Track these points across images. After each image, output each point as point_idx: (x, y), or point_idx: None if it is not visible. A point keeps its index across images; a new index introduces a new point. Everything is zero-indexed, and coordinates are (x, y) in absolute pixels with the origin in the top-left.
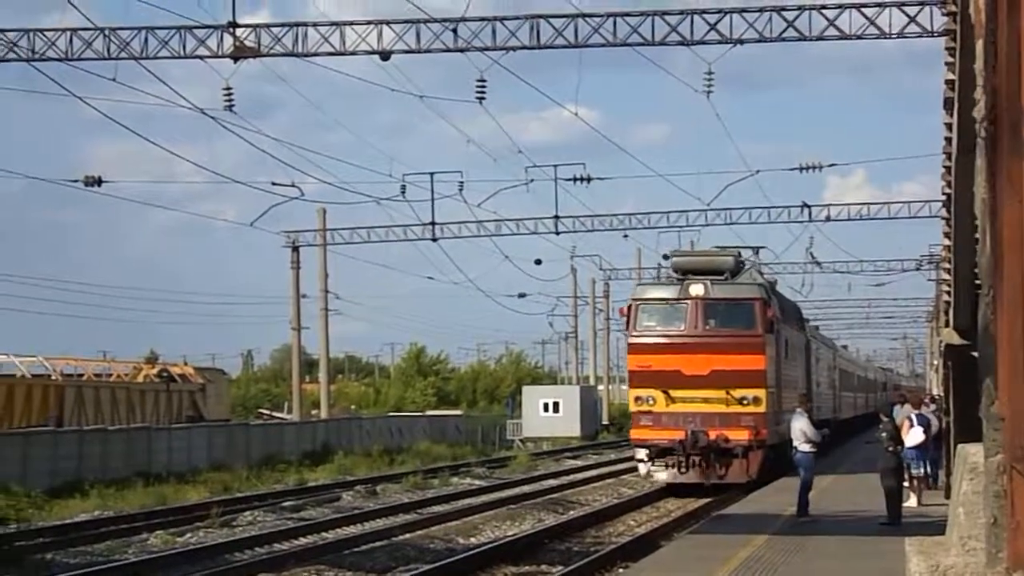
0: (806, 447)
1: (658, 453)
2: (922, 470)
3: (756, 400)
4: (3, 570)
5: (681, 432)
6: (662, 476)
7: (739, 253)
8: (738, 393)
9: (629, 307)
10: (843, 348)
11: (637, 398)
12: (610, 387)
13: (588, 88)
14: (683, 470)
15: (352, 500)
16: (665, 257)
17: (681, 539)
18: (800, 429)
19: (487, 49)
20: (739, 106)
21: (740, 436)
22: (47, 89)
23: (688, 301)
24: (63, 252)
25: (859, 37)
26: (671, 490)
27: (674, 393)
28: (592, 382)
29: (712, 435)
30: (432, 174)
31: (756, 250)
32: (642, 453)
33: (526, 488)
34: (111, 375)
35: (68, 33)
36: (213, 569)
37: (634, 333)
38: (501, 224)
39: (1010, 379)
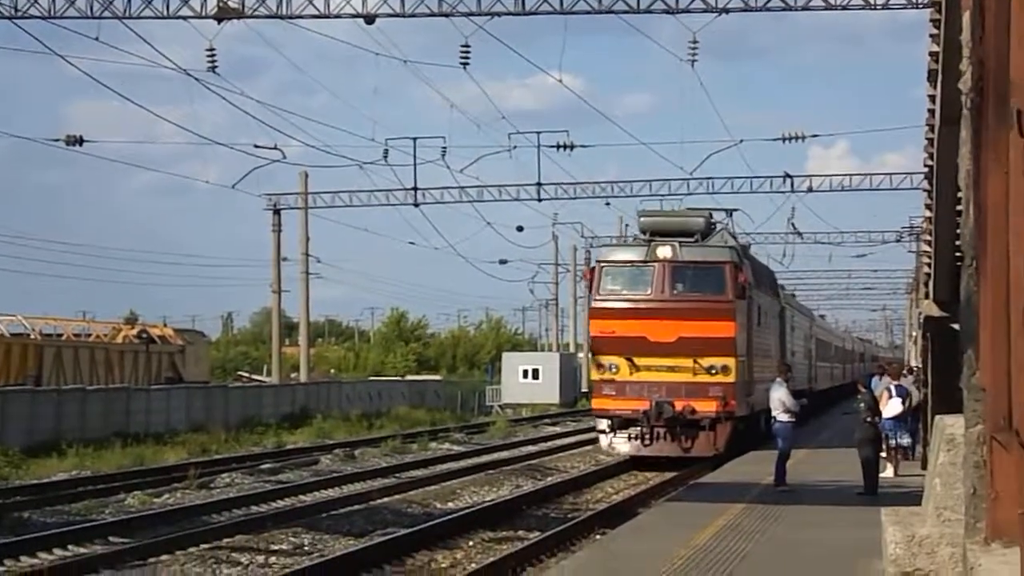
0: (784, 416)
1: (621, 424)
2: (900, 441)
3: (725, 369)
4: None
5: (645, 402)
6: (624, 448)
7: (710, 214)
8: (706, 362)
9: (592, 269)
10: (820, 318)
11: (599, 366)
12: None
13: (573, 55)
14: (647, 442)
15: (330, 464)
16: None
17: (659, 506)
18: (779, 399)
19: (472, 14)
20: (724, 75)
21: (707, 407)
22: (30, 47)
23: (655, 264)
24: (45, 211)
25: (844, 7)
26: (634, 463)
27: (639, 361)
28: (572, 349)
29: (678, 406)
30: (415, 139)
31: (730, 212)
32: (604, 424)
33: (504, 454)
34: (90, 335)
35: None
36: (190, 530)
37: (597, 297)
38: (483, 190)
39: (992, 350)
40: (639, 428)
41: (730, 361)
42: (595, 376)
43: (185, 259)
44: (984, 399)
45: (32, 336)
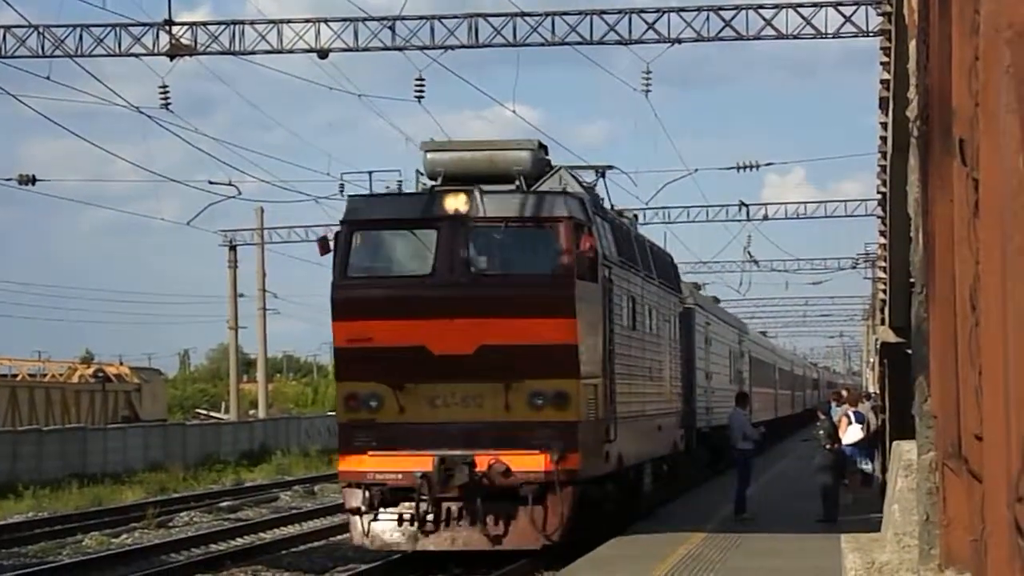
0: (744, 445)
1: (384, 499)
2: (860, 467)
3: (561, 399)
4: None
5: (426, 460)
6: (393, 537)
7: (542, 146)
8: (530, 387)
9: (336, 235)
10: (760, 334)
11: (349, 398)
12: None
13: (528, 87)
14: (429, 527)
15: (290, 500)
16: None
17: (619, 537)
18: (738, 426)
19: (425, 48)
20: (678, 104)
21: (532, 465)
22: None
23: (440, 224)
24: None
25: (795, 37)
26: (414, 560)
27: (414, 390)
28: None
29: (481, 464)
30: (371, 173)
31: (601, 172)
32: (356, 498)
33: None
34: (46, 375)
35: (1, 30)
36: (149, 570)
37: (343, 282)
38: None
39: (941, 377)
40: (416, 504)
41: (571, 385)
42: (343, 416)
43: (141, 297)
44: (935, 426)
45: None
